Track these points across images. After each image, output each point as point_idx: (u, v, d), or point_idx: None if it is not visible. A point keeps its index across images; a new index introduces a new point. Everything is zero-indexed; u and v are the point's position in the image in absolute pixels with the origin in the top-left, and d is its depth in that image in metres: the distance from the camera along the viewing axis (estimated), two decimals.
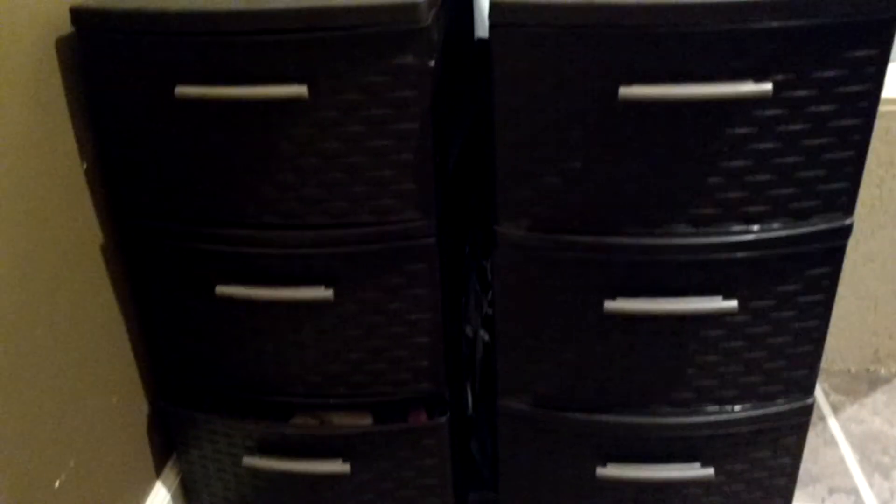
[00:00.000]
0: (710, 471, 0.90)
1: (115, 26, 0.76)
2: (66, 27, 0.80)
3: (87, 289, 0.87)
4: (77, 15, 0.77)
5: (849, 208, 0.78)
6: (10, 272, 0.74)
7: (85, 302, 0.87)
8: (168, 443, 1.04)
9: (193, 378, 0.98)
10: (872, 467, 1.13)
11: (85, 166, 0.86)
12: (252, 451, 0.98)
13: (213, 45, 0.75)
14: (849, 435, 1.19)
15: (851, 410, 1.25)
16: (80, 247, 0.86)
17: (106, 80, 0.80)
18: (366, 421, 0.99)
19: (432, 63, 0.75)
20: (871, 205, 1.18)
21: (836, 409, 1.25)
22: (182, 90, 0.76)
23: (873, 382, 1.31)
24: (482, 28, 1.19)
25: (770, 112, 0.72)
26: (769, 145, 0.74)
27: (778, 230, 0.78)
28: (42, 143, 0.78)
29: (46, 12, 0.78)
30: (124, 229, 0.91)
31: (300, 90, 0.75)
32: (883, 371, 1.33)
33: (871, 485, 1.10)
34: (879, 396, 1.28)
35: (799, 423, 0.90)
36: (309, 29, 0.73)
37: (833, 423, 1.22)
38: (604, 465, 0.91)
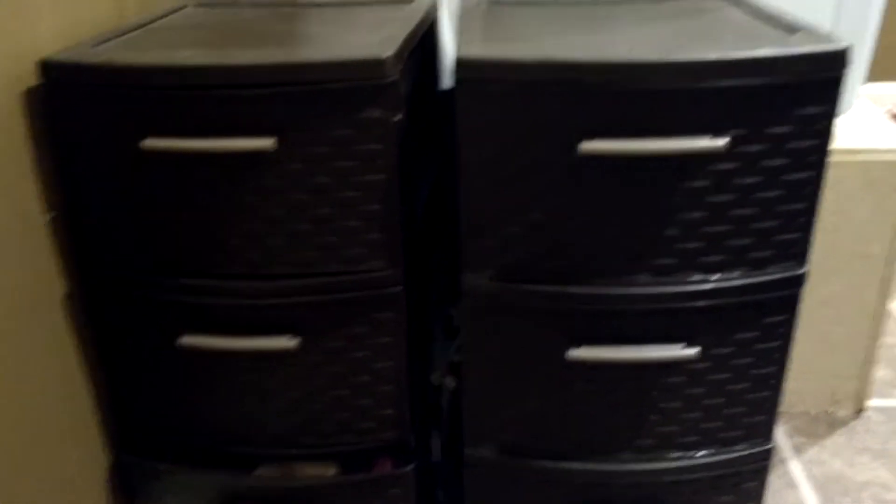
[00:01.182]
0: None
1: (84, 79, 0.77)
2: (33, 79, 0.80)
3: (48, 338, 0.86)
4: (46, 68, 0.78)
5: (802, 258, 0.81)
6: None
7: (46, 351, 0.85)
8: (129, 495, 1.02)
9: (156, 429, 0.96)
10: None
11: (50, 216, 0.85)
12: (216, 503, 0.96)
13: (182, 99, 0.76)
14: (810, 477, 1.21)
15: (812, 452, 1.27)
16: (42, 296, 0.85)
17: (73, 131, 0.80)
18: (331, 471, 0.98)
19: (398, 117, 0.77)
20: (825, 251, 1.22)
21: (796, 451, 1.27)
22: (149, 143, 0.76)
23: (832, 424, 1.34)
24: (448, 78, 1.22)
25: (725, 166, 0.75)
26: (725, 198, 0.76)
27: (735, 279, 0.80)
28: (5, 192, 0.78)
29: (14, 64, 0.78)
30: (88, 279, 0.91)
31: (267, 143, 0.76)
32: (841, 412, 1.36)
33: None
34: (838, 438, 1.30)
35: (759, 467, 0.91)
36: (277, 84, 0.74)
37: (794, 466, 1.24)
38: None
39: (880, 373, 1.43)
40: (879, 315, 1.27)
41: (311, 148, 0.77)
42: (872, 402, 1.37)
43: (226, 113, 0.76)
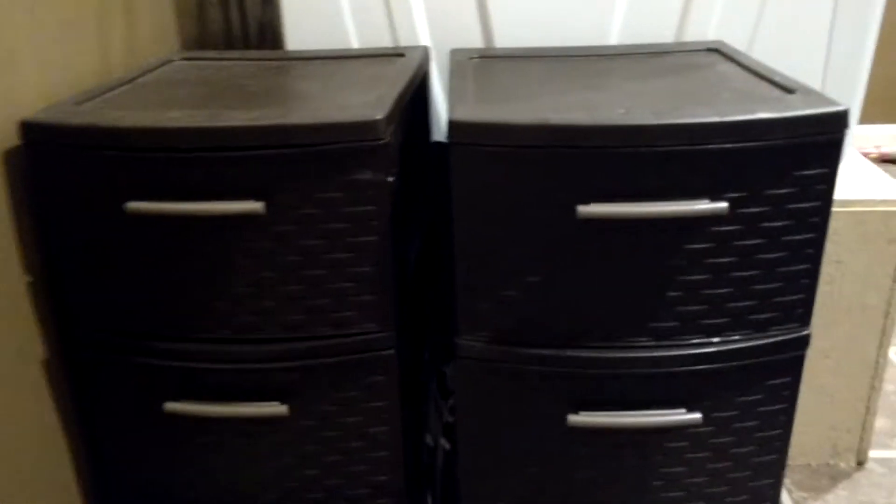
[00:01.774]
0: None
1: (67, 141, 0.75)
2: (14, 139, 0.78)
3: (26, 403, 0.82)
4: (27, 129, 0.76)
5: (805, 318, 0.79)
6: None
7: (22, 417, 0.82)
8: None
9: (140, 496, 0.92)
10: None
11: (29, 279, 0.82)
12: None
13: (168, 162, 0.74)
14: None
15: None
16: (21, 361, 0.82)
17: (55, 193, 0.78)
18: None
19: (391, 179, 0.75)
20: (824, 302, 1.20)
21: None
22: (134, 206, 0.74)
23: (834, 477, 1.31)
24: (438, 130, 1.20)
25: (726, 228, 0.73)
26: (726, 260, 0.74)
27: (738, 342, 0.78)
28: None
29: None
30: (69, 343, 0.87)
31: (256, 206, 0.74)
32: (843, 465, 1.33)
33: None
34: (840, 492, 1.27)
35: None
36: (266, 146, 0.72)
37: None
38: None
39: (879, 422, 1.41)
40: (879, 366, 1.25)
41: (301, 210, 0.75)
42: (874, 454, 1.34)
43: (213, 175, 0.74)
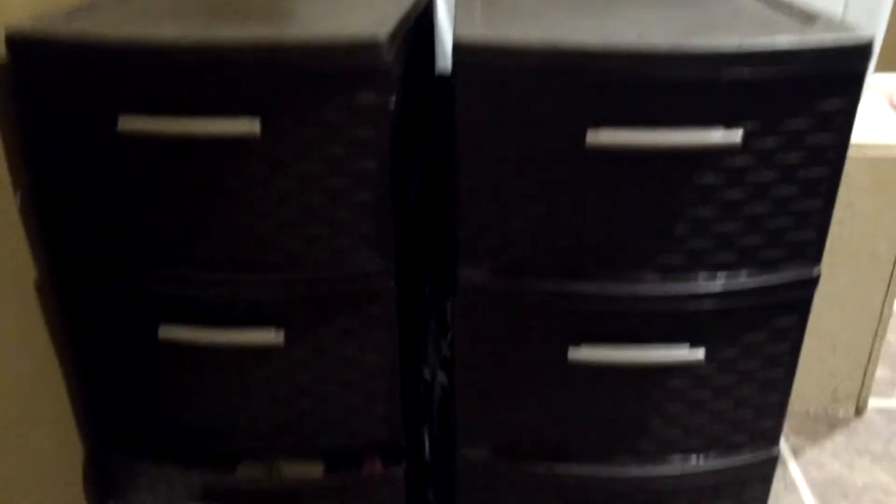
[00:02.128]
0: None
1: (55, 54, 0.72)
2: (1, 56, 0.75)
3: (18, 326, 0.81)
4: (13, 41, 0.72)
5: (816, 258, 0.77)
6: None
7: (16, 340, 0.81)
8: (105, 490, 0.97)
9: (133, 423, 0.92)
10: None
11: (18, 197, 0.80)
12: (195, 502, 0.92)
13: (160, 76, 0.71)
14: (809, 480, 1.18)
15: (811, 454, 1.24)
16: (12, 282, 0.80)
17: (44, 109, 0.75)
18: (317, 470, 0.94)
19: (393, 102, 0.72)
20: (831, 246, 1.18)
21: (795, 452, 1.24)
22: (125, 123, 0.71)
23: (832, 424, 1.31)
24: (443, 63, 1.17)
25: (739, 161, 0.70)
26: (737, 195, 0.72)
27: (745, 280, 0.76)
28: None
29: None
30: (61, 266, 0.86)
31: (252, 127, 0.71)
32: (841, 412, 1.33)
33: None
34: (838, 439, 1.27)
35: (764, 473, 0.88)
36: (263, 64, 0.69)
37: (793, 467, 1.21)
38: None
39: (880, 371, 1.40)
40: (884, 314, 1.24)
41: (299, 133, 0.72)
42: (873, 403, 1.34)
43: (207, 94, 0.71)
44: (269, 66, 0.70)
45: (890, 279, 1.21)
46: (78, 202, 0.79)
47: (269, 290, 0.80)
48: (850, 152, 1.13)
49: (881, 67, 1.42)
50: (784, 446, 1.25)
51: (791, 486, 1.17)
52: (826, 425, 1.30)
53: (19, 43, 0.72)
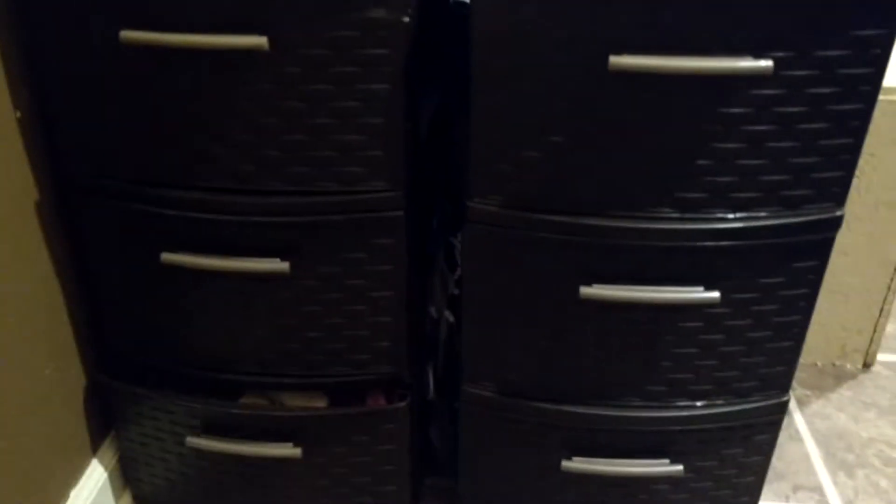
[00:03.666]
0: (680, 467, 0.86)
1: None
2: None
3: (18, 249, 0.79)
4: None
5: (841, 198, 0.74)
6: None
7: (16, 263, 0.79)
8: (106, 419, 0.97)
9: (135, 351, 0.91)
10: (837, 465, 1.11)
11: (18, 115, 0.78)
12: (197, 431, 0.91)
13: None
14: (814, 431, 1.17)
15: (817, 406, 1.23)
16: (12, 203, 0.78)
17: (43, 21, 0.72)
18: (320, 403, 0.93)
19: (407, 18, 0.69)
20: (849, 196, 1.15)
21: (801, 403, 1.23)
22: (128, 35, 0.68)
23: (839, 377, 1.29)
24: None
25: (767, 91, 0.67)
26: (764, 127, 0.69)
27: (766, 218, 0.74)
28: None
29: None
30: (62, 186, 0.83)
31: (260, 41, 0.68)
32: (849, 366, 1.31)
33: (836, 483, 1.08)
34: (845, 392, 1.26)
35: (772, 420, 0.86)
36: None
37: (798, 418, 1.20)
38: (570, 457, 0.87)
39: (890, 326, 1.39)
40: None
41: (309, 49, 0.69)
42: (882, 357, 1.32)
43: (214, 6, 0.68)
44: None
45: None
46: (79, 119, 0.76)
47: (274, 215, 0.78)
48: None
49: None
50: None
51: (796, 436, 1.16)
52: (833, 378, 1.29)
53: None
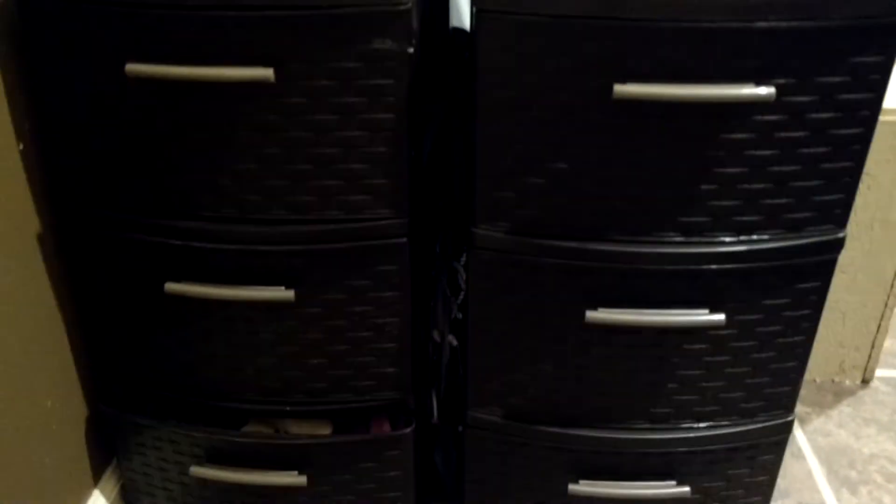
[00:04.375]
0: (686, 489, 0.86)
1: None
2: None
3: (20, 281, 0.79)
4: None
5: (842, 220, 0.75)
6: None
7: (18, 295, 0.79)
8: (108, 449, 0.96)
9: (137, 380, 0.90)
10: (840, 482, 1.11)
11: (21, 147, 0.77)
12: (200, 460, 0.91)
13: (170, 19, 0.68)
14: (816, 448, 1.18)
15: (818, 423, 1.23)
16: (14, 235, 0.78)
17: (48, 54, 0.72)
18: (325, 430, 0.93)
19: (411, 49, 0.69)
20: None
21: (802, 420, 1.23)
22: (133, 68, 0.69)
23: (838, 394, 1.30)
24: (457, 17, 1.14)
25: (769, 117, 0.68)
26: (766, 152, 0.70)
27: (769, 241, 0.74)
28: None
29: None
30: (64, 217, 0.83)
31: (266, 73, 0.68)
32: (848, 382, 1.32)
33: (840, 500, 1.08)
34: (844, 408, 1.26)
35: (778, 440, 0.87)
36: (278, 7, 0.66)
37: (800, 436, 1.20)
38: (577, 481, 0.87)
39: (888, 342, 1.39)
40: (895, 285, 1.23)
41: (314, 80, 0.70)
42: (880, 373, 1.33)
43: (220, 37, 0.68)
44: (284, 8, 0.67)
45: None
46: (82, 150, 0.76)
47: (279, 244, 0.78)
48: None
49: None
50: None
51: (798, 454, 1.16)
52: (832, 394, 1.29)
53: None
